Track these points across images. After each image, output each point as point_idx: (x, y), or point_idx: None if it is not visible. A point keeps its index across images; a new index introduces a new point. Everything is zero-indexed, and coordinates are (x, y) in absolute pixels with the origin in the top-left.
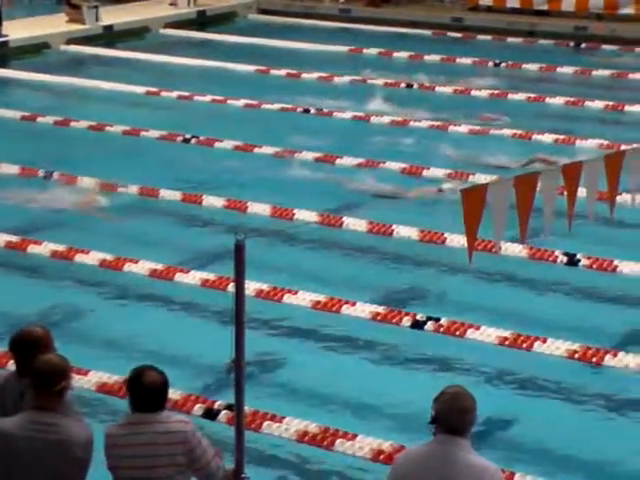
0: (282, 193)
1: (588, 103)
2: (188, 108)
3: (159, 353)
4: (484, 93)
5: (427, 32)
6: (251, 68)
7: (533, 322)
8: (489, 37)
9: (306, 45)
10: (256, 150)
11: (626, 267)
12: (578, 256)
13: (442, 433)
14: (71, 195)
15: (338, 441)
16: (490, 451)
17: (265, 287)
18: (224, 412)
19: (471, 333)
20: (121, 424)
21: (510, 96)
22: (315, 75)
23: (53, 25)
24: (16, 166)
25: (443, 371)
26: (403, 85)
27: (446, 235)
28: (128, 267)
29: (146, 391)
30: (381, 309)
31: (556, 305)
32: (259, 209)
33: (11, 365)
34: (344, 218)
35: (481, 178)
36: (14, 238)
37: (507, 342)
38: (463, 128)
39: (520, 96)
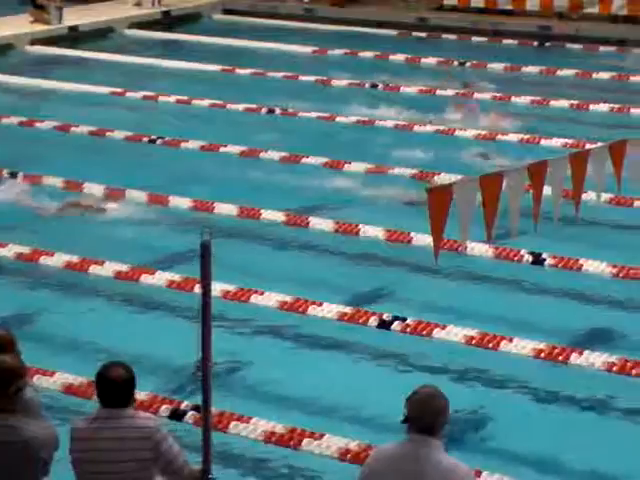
0: (248, 193)
1: (553, 102)
2: (153, 108)
3: (126, 354)
4: (449, 92)
5: (392, 32)
6: (216, 68)
7: (500, 321)
8: (454, 37)
9: (271, 45)
10: (222, 150)
11: (591, 266)
12: (544, 255)
13: (414, 433)
14: (35, 196)
15: (305, 441)
16: (457, 449)
17: (232, 287)
18: (191, 413)
19: (437, 332)
20: (87, 418)
21: (475, 95)
22: (280, 75)
23: (17, 26)
24: None
25: (410, 371)
26: (368, 85)
27: (412, 235)
28: (93, 269)
29: (111, 385)
30: (348, 309)
31: (522, 304)
32: (225, 209)
33: None
34: (310, 218)
35: (448, 178)
36: None
37: (474, 341)
38: (429, 128)
39: (485, 95)
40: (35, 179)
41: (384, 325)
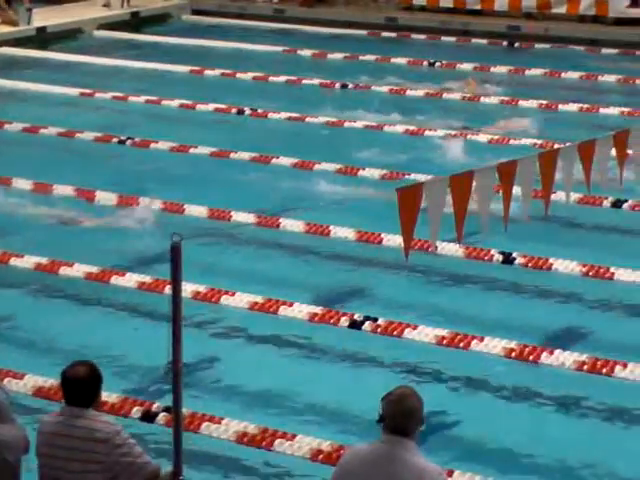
0: (219, 194)
1: (522, 102)
2: (123, 109)
3: (97, 356)
4: (420, 92)
5: (362, 32)
6: (185, 69)
7: (470, 321)
8: (423, 37)
9: (240, 45)
10: (192, 151)
11: (561, 265)
12: (514, 255)
13: (388, 433)
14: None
15: (277, 441)
16: (428, 450)
17: (202, 288)
18: (162, 414)
19: (408, 332)
20: (53, 414)
21: (445, 95)
22: (250, 75)
23: None
24: None
25: (381, 371)
26: (338, 85)
27: (383, 235)
28: (64, 270)
29: (72, 384)
30: (319, 309)
31: (493, 304)
32: (196, 211)
33: None
34: (281, 219)
35: (417, 177)
36: None
37: (444, 341)
38: (399, 128)
39: (455, 95)
40: (3, 181)
41: (355, 325)
